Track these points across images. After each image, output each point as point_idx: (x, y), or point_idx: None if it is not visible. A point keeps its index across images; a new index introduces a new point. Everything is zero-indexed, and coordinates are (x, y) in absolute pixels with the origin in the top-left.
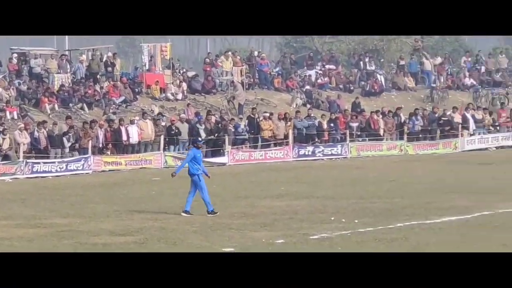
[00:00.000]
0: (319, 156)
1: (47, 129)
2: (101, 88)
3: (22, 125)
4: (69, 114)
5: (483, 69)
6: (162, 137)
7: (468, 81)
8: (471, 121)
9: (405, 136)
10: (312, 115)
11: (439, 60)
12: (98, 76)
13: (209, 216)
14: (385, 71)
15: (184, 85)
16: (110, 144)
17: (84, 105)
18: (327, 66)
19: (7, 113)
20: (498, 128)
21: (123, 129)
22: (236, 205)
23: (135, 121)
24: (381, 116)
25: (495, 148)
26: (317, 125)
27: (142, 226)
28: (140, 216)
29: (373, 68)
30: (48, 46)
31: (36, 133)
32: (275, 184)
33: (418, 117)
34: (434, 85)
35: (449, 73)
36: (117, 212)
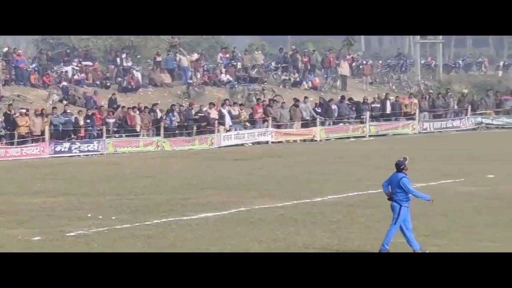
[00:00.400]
0: (75, 152)
1: None
2: None
3: None
4: None
5: (239, 65)
6: None
7: (225, 77)
8: (227, 117)
9: (162, 132)
10: (68, 111)
11: (195, 56)
12: None
13: None
14: (142, 68)
15: None
16: None
17: None
18: (83, 63)
19: None
20: (254, 124)
21: None
22: None
23: None
24: (137, 112)
25: (251, 144)
26: (73, 121)
27: None
28: None
29: (130, 64)
30: None
31: None
32: (32, 181)
33: (175, 113)
34: (190, 81)
35: (205, 69)
36: None
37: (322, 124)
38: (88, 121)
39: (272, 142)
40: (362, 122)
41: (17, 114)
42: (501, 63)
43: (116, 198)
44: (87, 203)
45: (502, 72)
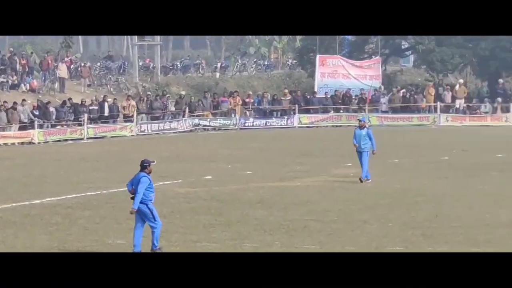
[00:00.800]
0: None
1: None
2: None
3: None
4: None
5: None
6: None
7: None
8: None
9: None
10: None
11: None
12: None
13: None
14: None
15: None
16: None
17: None
18: None
19: None
20: None
21: None
22: None
23: None
24: None
25: None
26: None
27: None
28: None
29: None
30: None
31: None
32: None
33: None
34: None
35: None
36: None
37: (40, 126)
38: None
39: None
40: (80, 125)
41: None
42: (218, 65)
43: None
44: None
45: (219, 74)
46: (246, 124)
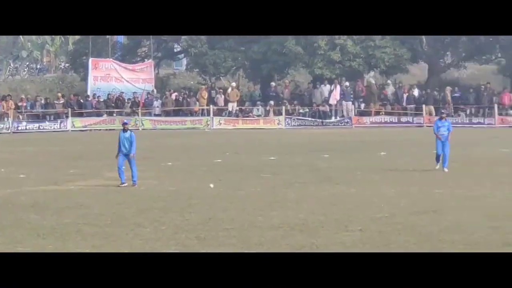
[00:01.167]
0: None
1: None
2: None
3: None
4: None
5: None
6: None
7: None
8: None
9: None
10: None
11: None
12: None
13: None
14: None
15: None
16: None
17: None
18: None
19: None
20: None
21: None
22: None
23: None
24: None
25: None
26: None
27: None
28: None
29: None
30: None
31: None
32: None
33: None
34: None
35: None
36: None
37: None
38: None
39: None
40: None
41: None
42: None
43: None
44: None
45: None
46: (19, 128)
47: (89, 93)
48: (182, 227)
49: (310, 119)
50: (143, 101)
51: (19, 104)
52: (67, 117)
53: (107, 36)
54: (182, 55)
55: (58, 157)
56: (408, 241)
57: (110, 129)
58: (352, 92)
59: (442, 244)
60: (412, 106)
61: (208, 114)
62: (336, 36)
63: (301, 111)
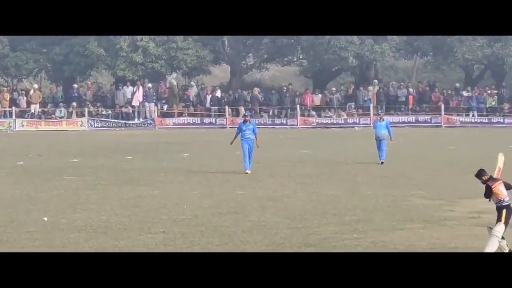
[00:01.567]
0: None
1: None
2: None
3: None
4: None
5: None
6: None
7: None
8: None
9: None
10: None
11: None
12: None
13: None
14: None
15: None
16: None
17: None
18: None
19: None
20: None
21: None
22: None
23: None
24: None
25: None
26: None
27: None
28: None
29: None
30: None
31: None
32: None
33: None
34: None
35: None
36: None
37: None
38: None
39: None
40: None
41: None
42: None
43: None
44: None
45: None
46: None
47: None
48: None
49: (113, 120)
50: None
51: None
52: None
53: None
54: None
55: None
56: (211, 242)
57: None
58: (154, 93)
59: (245, 245)
60: (215, 107)
61: (11, 116)
62: (139, 37)
63: (104, 112)
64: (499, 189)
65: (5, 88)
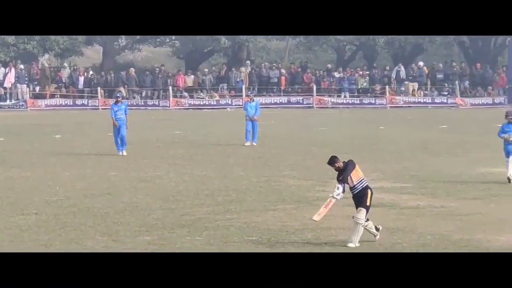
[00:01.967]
0: None
1: None
2: None
3: None
4: None
5: None
6: None
7: None
8: None
9: None
10: None
11: None
12: None
13: None
14: None
15: None
16: None
17: None
18: None
19: None
20: None
21: None
22: None
23: None
24: None
25: None
26: None
27: None
28: None
29: None
30: None
31: None
32: None
33: None
34: None
35: None
36: None
37: None
38: None
39: None
40: None
41: None
42: None
43: None
44: None
45: None
46: None
47: None
48: None
49: None
50: None
51: None
52: None
53: None
54: None
55: None
56: (84, 223)
57: None
58: (27, 75)
59: (118, 226)
60: (88, 89)
61: None
62: None
63: None
64: (357, 170)
65: None
